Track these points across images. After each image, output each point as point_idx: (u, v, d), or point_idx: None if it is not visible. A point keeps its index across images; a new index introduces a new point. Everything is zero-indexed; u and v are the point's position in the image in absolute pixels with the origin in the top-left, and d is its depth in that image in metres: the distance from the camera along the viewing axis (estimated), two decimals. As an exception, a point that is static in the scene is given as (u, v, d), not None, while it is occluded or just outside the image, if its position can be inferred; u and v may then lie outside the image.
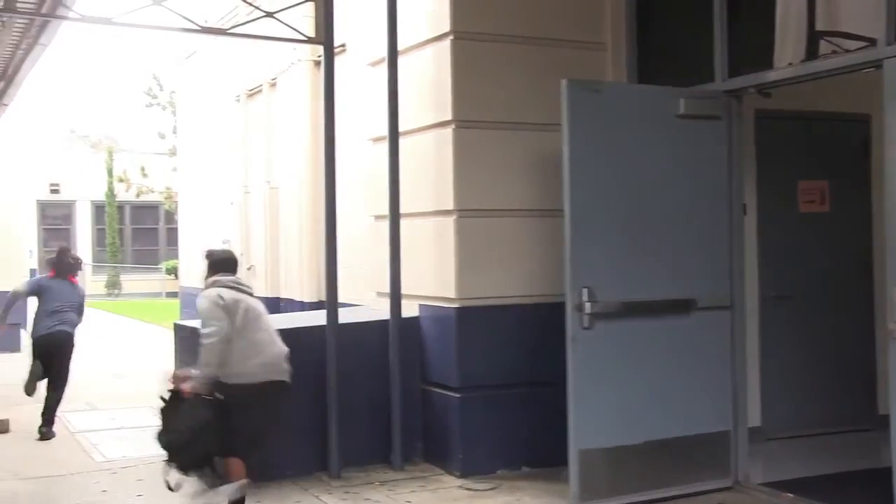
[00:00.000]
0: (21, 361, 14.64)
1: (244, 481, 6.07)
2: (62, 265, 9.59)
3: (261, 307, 6.41)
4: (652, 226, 6.44)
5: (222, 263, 6.47)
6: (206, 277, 6.35)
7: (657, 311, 6.42)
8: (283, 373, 6.24)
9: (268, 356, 6.19)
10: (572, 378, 6.15)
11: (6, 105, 12.03)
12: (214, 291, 6.17)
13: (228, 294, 6.15)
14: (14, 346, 15.96)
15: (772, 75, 6.44)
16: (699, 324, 6.57)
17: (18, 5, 7.57)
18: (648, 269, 6.41)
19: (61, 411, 9.53)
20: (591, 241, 6.22)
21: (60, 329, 9.25)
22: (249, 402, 6.03)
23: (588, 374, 6.17)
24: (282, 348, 6.32)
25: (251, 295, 6.40)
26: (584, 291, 6.13)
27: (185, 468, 6.09)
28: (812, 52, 6.20)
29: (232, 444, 6.04)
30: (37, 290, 9.57)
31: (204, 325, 6.06)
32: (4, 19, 8.15)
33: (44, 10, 7.79)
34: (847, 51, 5.99)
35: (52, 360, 9.22)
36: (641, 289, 6.38)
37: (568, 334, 6.16)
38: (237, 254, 7.06)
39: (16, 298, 9.53)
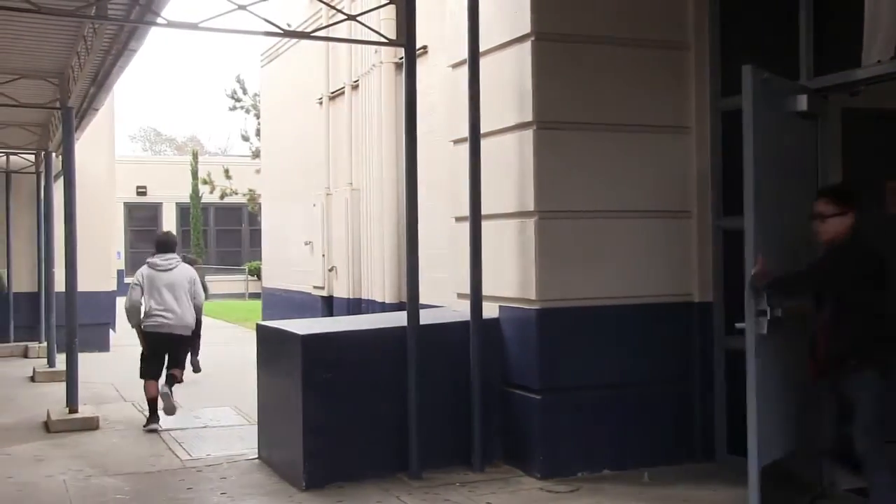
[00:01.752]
0: (110, 361, 15.01)
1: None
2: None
3: (165, 280, 9.67)
4: (794, 228, 6.17)
5: (157, 245, 10.13)
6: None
7: (799, 315, 6.12)
8: (165, 327, 9.62)
9: (155, 317, 9.60)
10: (753, 388, 5.71)
11: (96, 110, 12.26)
12: (140, 269, 9.87)
13: (146, 271, 9.78)
14: (103, 346, 16.32)
15: (860, 73, 6.29)
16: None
17: (109, 12, 7.73)
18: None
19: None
20: (770, 242, 5.87)
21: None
22: (151, 342, 9.73)
23: (765, 385, 5.78)
24: (174, 312, 9.63)
25: (167, 271, 9.76)
26: (765, 296, 5.73)
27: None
28: (903, 50, 6.05)
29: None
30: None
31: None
32: (96, 26, 8.32)
33: (133, 17, 7.94)
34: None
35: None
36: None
37: (749, 342, 5.76)
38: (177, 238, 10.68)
39: None
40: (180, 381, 9.98)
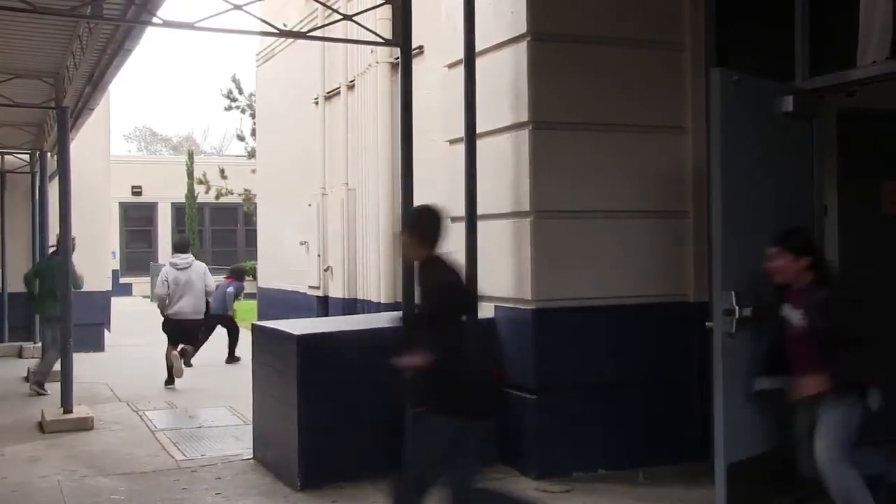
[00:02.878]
0: (105, 361, 15.00)
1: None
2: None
3: (182, 277, 12.39)
4: (769, 228, 6.04)
5: (174, 247, 13.30)
6: None
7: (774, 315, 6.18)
8: (180, 314, 12.43)
9: (174, 306, 12.39)
10: (720, 387, 5.74)
11: (91, 109, 12.27)
12: (164, 268, 12.69)
13: (167, 269, 12.53)
14: (98, 346, 16.31)
15: (855, 74, 6.30)
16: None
17: (105, 12, 7.72)
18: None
19: (142, 410, 9.72)
20: (738, 242, 5.86)
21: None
22: (171, 325, 12.49)
23: (733, 384, 5.79)
24: (187, 303, 12.40)
25: (184, 269, 12.47)
26: (733, 295, 5.75)
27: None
28: (898, 50, 6.06)
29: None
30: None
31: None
32: (91, 25, 8.31)
33: (129, 16, 7.93)
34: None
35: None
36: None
37: (716, 341, 5.76)
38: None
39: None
40: (192, 354, 13.02)
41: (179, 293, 12.36)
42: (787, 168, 6.42)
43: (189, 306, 12.43)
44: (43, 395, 11.41)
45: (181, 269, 12.51)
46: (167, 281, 12.42)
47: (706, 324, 5.95)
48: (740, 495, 5.83)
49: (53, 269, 11.06)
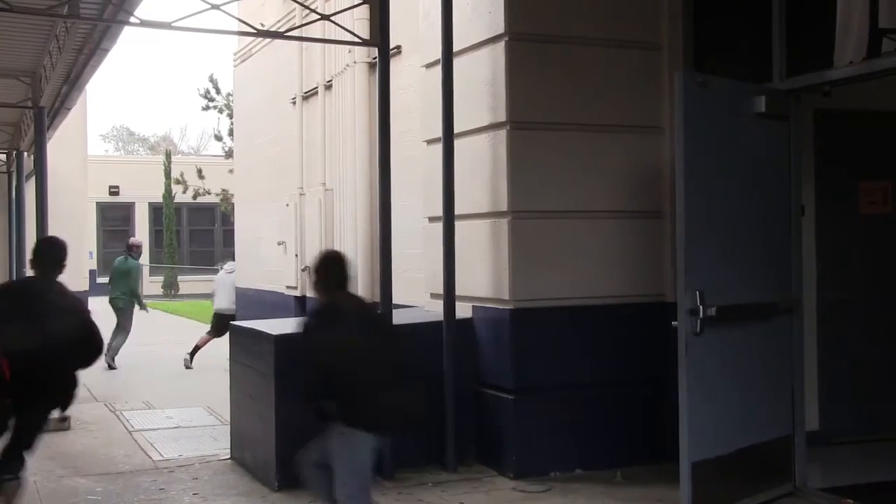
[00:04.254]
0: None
1: None
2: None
3: (228, 281, 15.43)
4: (737, 228, 6.24)
5: (226, 257, 15.38)
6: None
7: (750, 315, 6.25)
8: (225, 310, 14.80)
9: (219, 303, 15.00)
10: (685, 387, 5.78)
11: (69, 109, 12.22)
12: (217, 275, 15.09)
13: (218, 275, 15.49)
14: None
15: (832, 74, 6.32)
16: (772, 328, 6.48)
17: (81, 11, 7.69)
18: (740, 272, 6.20)
19: (119, 410, 9.66)
20: (703, 242, 5.91)
21: None
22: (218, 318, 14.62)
23: (699, 383, 5.84)
24: (230, 301, 15.11)
25: (230, 273, 15.51)
26: (697, 295, 5.78)
27: None
28: (874, 50, 6.10)
29: None
30: None
31: None
32: (68, 25, 8.27)
33: (106, 16, 7.90)
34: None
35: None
36: (739, 293, 6.14)
37: (681, 340, 5.81)
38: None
39: None
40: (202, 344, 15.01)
41: (222, 293, 15.51)
42: (761, 169, 6.46)
43: (228, 304, 15.43)
44: (114, 369, 14.12)
45: (227, 273, 15.84)
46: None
47: (672, 323, 5.98)
48: (706, 494, 5.87)
49: (130, 269, 15.23)
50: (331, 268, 5.68)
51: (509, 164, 7.21)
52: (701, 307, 5.78)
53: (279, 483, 6.96)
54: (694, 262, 5.83)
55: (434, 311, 7.85)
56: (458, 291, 7.49)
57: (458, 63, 7.52)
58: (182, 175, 32.50)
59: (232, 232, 19.59)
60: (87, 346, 6.34)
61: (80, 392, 11.07)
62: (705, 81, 6.02)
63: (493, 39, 7.38)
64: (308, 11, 10.03)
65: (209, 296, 17.22)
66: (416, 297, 8.59)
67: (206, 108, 31.64)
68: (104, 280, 33.07)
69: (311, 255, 12.58)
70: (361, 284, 11.19)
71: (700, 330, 5.79)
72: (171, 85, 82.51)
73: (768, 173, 6.54)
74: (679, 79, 5.90)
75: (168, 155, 36.86)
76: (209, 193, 31.53)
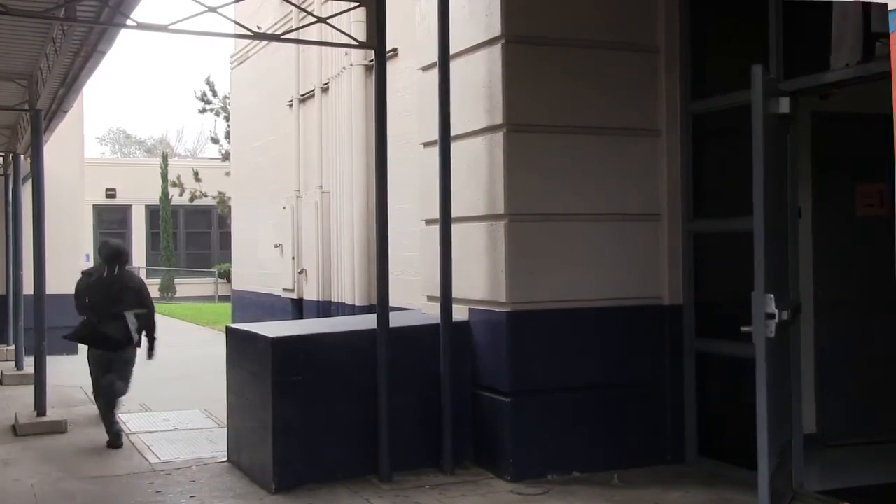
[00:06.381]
0: (79, 364, 14.86)
1: None
2: None
3: None
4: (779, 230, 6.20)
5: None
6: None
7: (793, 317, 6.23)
8: None
9: None
10: (764, 392, 5.60)
11: (65, 112, 12.17)
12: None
13: None
14: (71, 349, 16.16)
15: (828, 77, 6.34)
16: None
17: (78, 14, 7.68)
18: (789, 273, 6.21)
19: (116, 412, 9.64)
20: (775, 244, 5.84)
21: None
22: None
23: (772, 388, 5.72)
24: None
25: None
26: (771, 299, 5.63)
27: None
28: (869, 54, 6.11)
29: None
30: None
31: None
32: (65, 27, 8.26)
33: (102, 18, 7.89)
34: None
35: None
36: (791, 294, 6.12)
37: (759, 346, 5.65)
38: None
39: None
40: None
41: None
42: (779, 168, 6.45)
43: None
44: None
45: None
46: None
47: (742, 329, 5.79)
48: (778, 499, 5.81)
49: None
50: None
51: (506, 166, 7.21)
52: (776, 311, 5.66)
53: (276, 485, 6.95)
54: (768, 266, 5.71)
55: (431, 313, 7.84)
56: (455, 294, 7.49)
57: (454, 66, 7.52)
58: (179, 178, 32.55)
59: (229, 234, 19.63)
60: None
61: (77, 395, 11.17)
62: (771, 80, 5.91)
63: (489, 42, 7.38)
64: (305, 14, 10.04)
65: (206, 298, 17.28)
66: (412, 299, 8.59)
67: (203, 110, 31.74)
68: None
69: (308, 258, 12.64)
70: (358, 287, 11.22)
71: (774, 334, 5.67)
72: (168, 87, 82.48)
73: (783, 174, 6.53)
74: (757, 74, 5.76)
75: (165, 157, 36.87)
76: (206, 196, 31.58)
